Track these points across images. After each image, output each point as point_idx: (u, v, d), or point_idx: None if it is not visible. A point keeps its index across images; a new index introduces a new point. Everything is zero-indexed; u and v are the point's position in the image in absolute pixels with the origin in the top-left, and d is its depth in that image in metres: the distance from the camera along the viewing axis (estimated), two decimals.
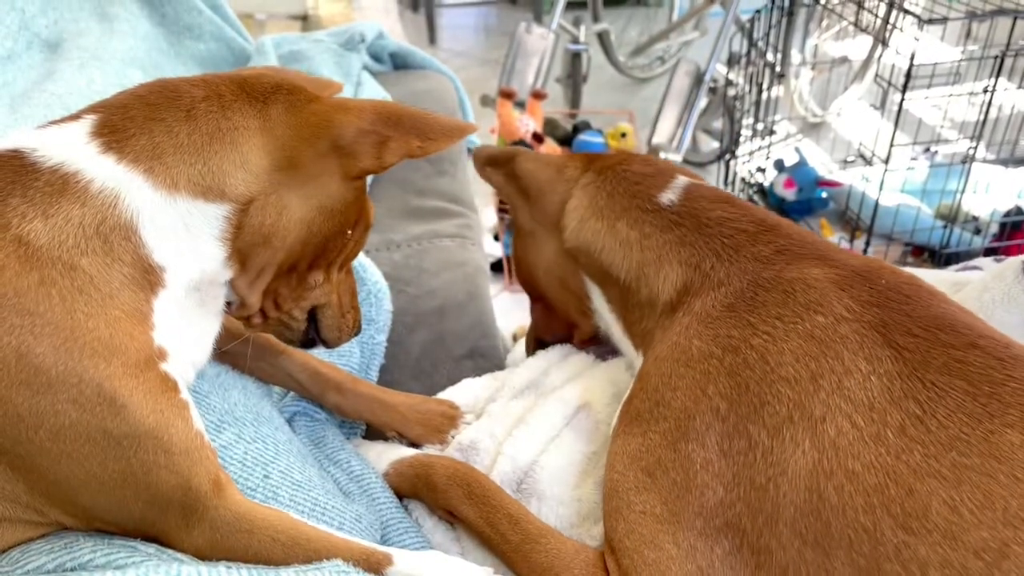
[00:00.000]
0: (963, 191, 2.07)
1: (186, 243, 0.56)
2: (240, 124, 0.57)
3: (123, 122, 0.55)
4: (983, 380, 0.55)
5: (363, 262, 0.99)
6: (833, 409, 0.57)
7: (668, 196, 0.76)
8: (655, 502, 0.61)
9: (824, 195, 2.41)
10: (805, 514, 0.55)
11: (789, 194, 2.41)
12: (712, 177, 2.59)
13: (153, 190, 0.54)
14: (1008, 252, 2.11)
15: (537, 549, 0.66)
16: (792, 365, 0.60)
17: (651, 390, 0.67)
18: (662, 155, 2.35)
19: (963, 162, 1.99)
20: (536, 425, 0.79)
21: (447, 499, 0.73)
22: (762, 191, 2.58)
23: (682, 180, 0.78)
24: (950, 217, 2.16)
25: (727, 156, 2.52)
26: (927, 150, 2.50)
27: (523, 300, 0.86)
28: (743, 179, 2.59)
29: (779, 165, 2.48)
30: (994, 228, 2.13)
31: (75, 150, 0.53)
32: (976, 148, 1.95)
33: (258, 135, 0.58)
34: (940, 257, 2.13)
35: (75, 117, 0.56)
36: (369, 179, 1.23)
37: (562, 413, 0.81)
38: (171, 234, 0.55)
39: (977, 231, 2.16)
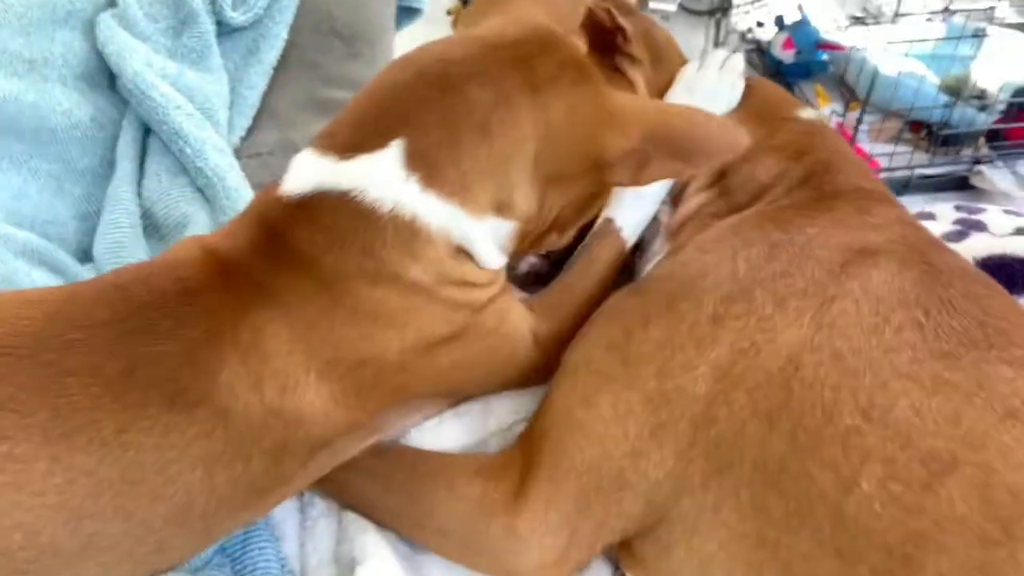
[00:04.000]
0: (975, 57, 1.88)
1: (493, 247, 0.62)
2: (528, 137, 0.60)
3: (431, 151, 0.57)
4: (999, 316, 0.54)
5: (231, 181, 0.86)
6: (846, 291, 0.56)
7: (805, 113, 0.80)
8: (615, 363, 0.60)
9: (824, 58, 2.21)
10: (773, 382, 0.54)
11: (787, 56, 2.21)
12: (703, 33, 2.38)
13: (468, 218, 0.59)
14: (1011, 135, 1.95)
15: (422, 461, 0.63)
16: (830, 250, 0.59)
17: (680, 255, 0.66)
18: (652, 4, 2.14)
19: (975, 35, 1.80)
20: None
21: None
22: (760, 50, 2.38)
23: (814, 111, 0.82)
24: (956, 90, 1.98)
25: (717, 12, 2.30)
26: (946, 10, 2.27)
27: None
28: (740, 34, 2.38)
29: (779, 22, 2.27)
30: (1001, 106, 1.95)
31: (401, 192, 0.57)
32: (995, 8, 1.73)
33: (534, 146, 0.60)
34: (938, 137, 1.97)
35: (382, 143, 0.57)
36: (274, 60, 1.09)
37: None
38: (484, 244, 0.61)
39: (983, 108, 1.99)
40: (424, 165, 0.57)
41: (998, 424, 0.47)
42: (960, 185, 2.03)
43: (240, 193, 0.85)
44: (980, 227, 0.80)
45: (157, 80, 0.91)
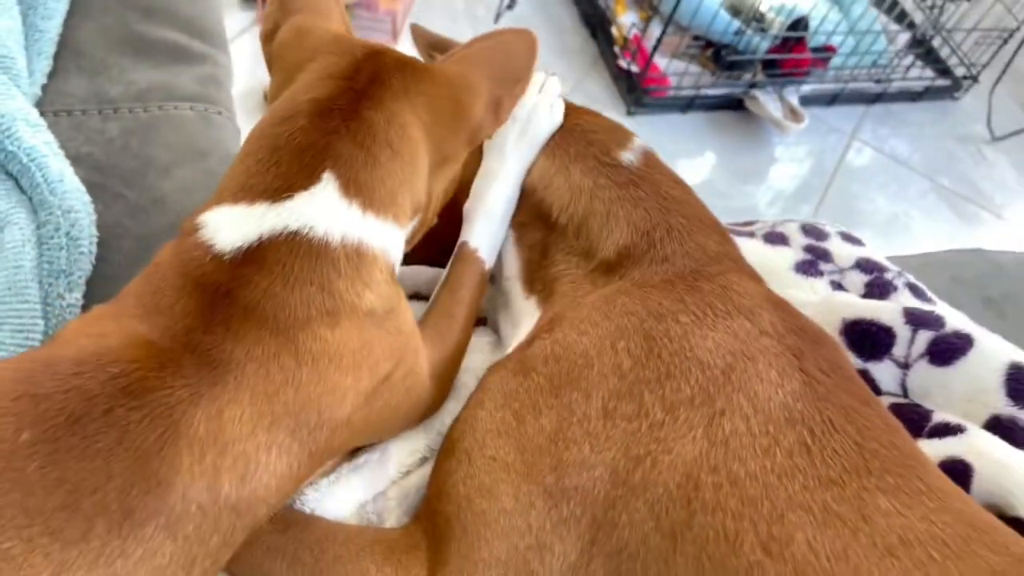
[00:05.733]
0: None
1: (401, 247, 0.63)
2: (419, 140, 0.61)
3: (360, 176, 0.57)
4: (871, 437, 0.56)
5: (53, 169, 0.72)
6: (735, 407, 0.57)
7: (628, 156, 0.76)
8: (510, 449, 0.60)
9: None
10: (674, 499, 0.55)
11: None
12: None
13: (399, 230, 0.61)
14: (784, 65, 2.11)
15: (329, 540, 0.60)
16: (711, 352, 0.60)
17: (557, 332, 0.65)
18: None
19: None
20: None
21: None
22: None
23: (640, 143, 0.77)
24: (739, 10, 2.08)
25: None
26: None
27: None
28: None
29: None
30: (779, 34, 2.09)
31: (347, 220, 0.56)
32: None
33: (425, 145, 0.62)
34: (725, 60, 2.08)
35: (313, 178, 0.56)
36: None
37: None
38: (400, 247, 0.62)
39: (762, 31, 2.11)
40: (359, 190, 0.57)
41: (880, 562, 0.50)
42: (736, 106, 2.19)
43: (67, 184, 0.72)
44: (827, 257, 0.86)
45: None
